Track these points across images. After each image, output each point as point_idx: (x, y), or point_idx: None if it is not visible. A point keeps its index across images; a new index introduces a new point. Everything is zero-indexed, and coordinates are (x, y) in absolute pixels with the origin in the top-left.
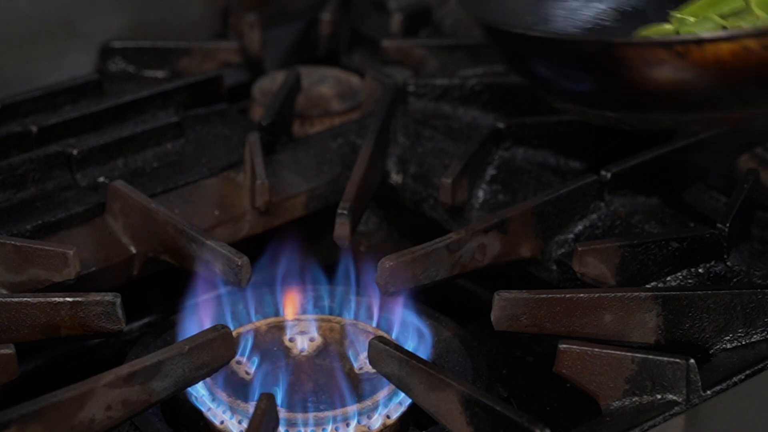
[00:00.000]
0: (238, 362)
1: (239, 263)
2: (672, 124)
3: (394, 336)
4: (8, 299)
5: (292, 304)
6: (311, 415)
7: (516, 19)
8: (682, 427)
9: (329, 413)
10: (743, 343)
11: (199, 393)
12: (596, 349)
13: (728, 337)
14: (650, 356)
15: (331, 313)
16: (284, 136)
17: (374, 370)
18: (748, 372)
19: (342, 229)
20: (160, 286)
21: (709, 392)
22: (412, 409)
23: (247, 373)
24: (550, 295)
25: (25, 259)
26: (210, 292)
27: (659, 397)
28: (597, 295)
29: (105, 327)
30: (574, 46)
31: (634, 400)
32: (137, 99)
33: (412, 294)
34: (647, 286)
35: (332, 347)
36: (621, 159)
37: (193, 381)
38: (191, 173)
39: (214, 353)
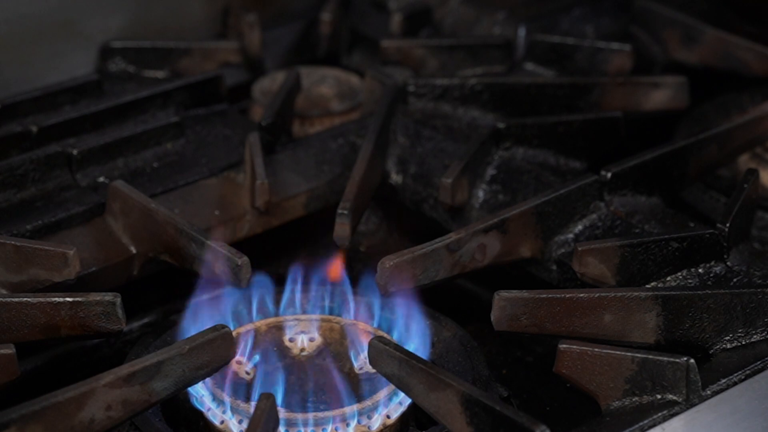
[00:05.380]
0: (238, 362)
1: (239, 263)
2: None
3: (394, 336)
4: (8, 299)
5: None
6: (311, 415)
7: None
8: (682, 427)
9: (329, 413)
10: (743, 343)
11: (199, 393)
12: (596, 349)
13: (728, 337)
14: (650, 356)
15: (331, 313)
16: (284, 136)
17: (374, 370)
18: (747, 372)
19: (342, 229)
20: (160, 286)
21: (709, 392)
22: (412, 409)
23: (247, 373)
24: (550, 295)
25: (25, 259)
26: (210, 292)
27: (659, 397)
28: (597, 295)
29: (105, 327)
30: None
31: (634, 400)
32: (137, 99)
33: (412, 294)
34: (647, 286)
35: (332, 347)
36: (621, 159)
37: (193, 381)
38: (191, 173)
39: (214, 353)
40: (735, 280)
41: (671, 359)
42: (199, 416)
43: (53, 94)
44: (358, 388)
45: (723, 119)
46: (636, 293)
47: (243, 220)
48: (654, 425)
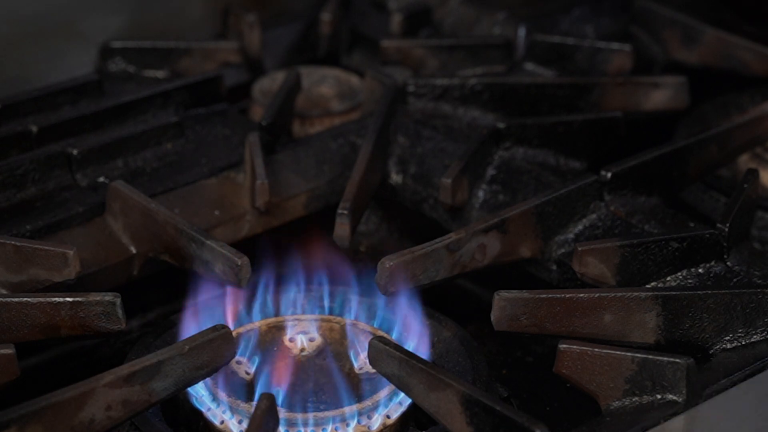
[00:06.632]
0: (238, 362)
1: (239, 263)
2: None
3: (394, 336)
4: (8, 299)
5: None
6: (311, 415)
7: None
8: (682, 427)
9: (329, 413)
10: (743, 343)
11: (199, 393)
12: (596, 349)
13: (728, 337)
14: (650, 356)
15: (331, 313)
16: (284, 136)
17: (374, 370)
18: (748, 372)
19: (342, 229)
20: (160, 286)
21: (709, 392)
22: (412, 409)
23: (247, 373)
24: (550, 295)
25: (25, 259)
26: (210, 292)
27: (659, 397)
28: (597, 295)
29: (105, 327)
30: None
31: (634, 400)
32: (137, 99)
33: (412, 294)
34: (647, 286)
35: (332, 347)
36: (621, 159)
37: (193, 381)
38: (191, 173)
39: (214, 353)
40: (735, 280)
41: (671, 359)
42: (199, 416)
43: (53, 94)
44: (358, 388)
45: (723, 119)
46: (636, 293)
47: (243, 220)
48: (654, 425)
